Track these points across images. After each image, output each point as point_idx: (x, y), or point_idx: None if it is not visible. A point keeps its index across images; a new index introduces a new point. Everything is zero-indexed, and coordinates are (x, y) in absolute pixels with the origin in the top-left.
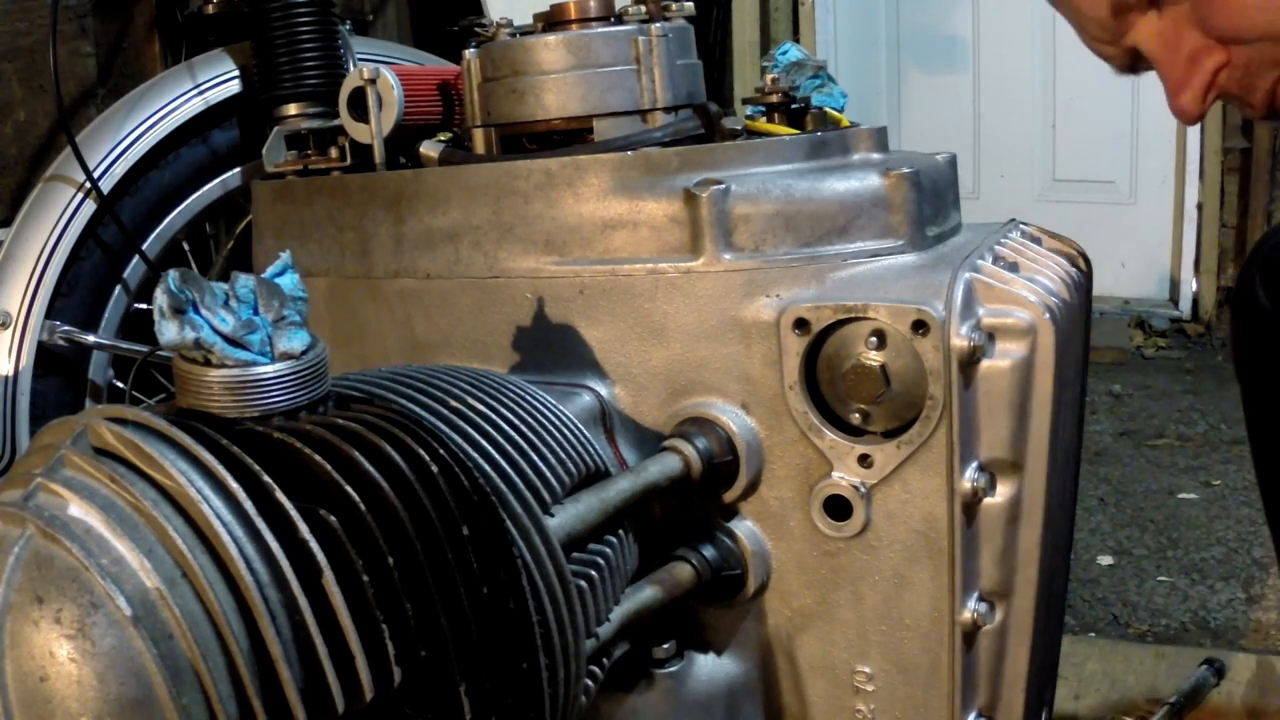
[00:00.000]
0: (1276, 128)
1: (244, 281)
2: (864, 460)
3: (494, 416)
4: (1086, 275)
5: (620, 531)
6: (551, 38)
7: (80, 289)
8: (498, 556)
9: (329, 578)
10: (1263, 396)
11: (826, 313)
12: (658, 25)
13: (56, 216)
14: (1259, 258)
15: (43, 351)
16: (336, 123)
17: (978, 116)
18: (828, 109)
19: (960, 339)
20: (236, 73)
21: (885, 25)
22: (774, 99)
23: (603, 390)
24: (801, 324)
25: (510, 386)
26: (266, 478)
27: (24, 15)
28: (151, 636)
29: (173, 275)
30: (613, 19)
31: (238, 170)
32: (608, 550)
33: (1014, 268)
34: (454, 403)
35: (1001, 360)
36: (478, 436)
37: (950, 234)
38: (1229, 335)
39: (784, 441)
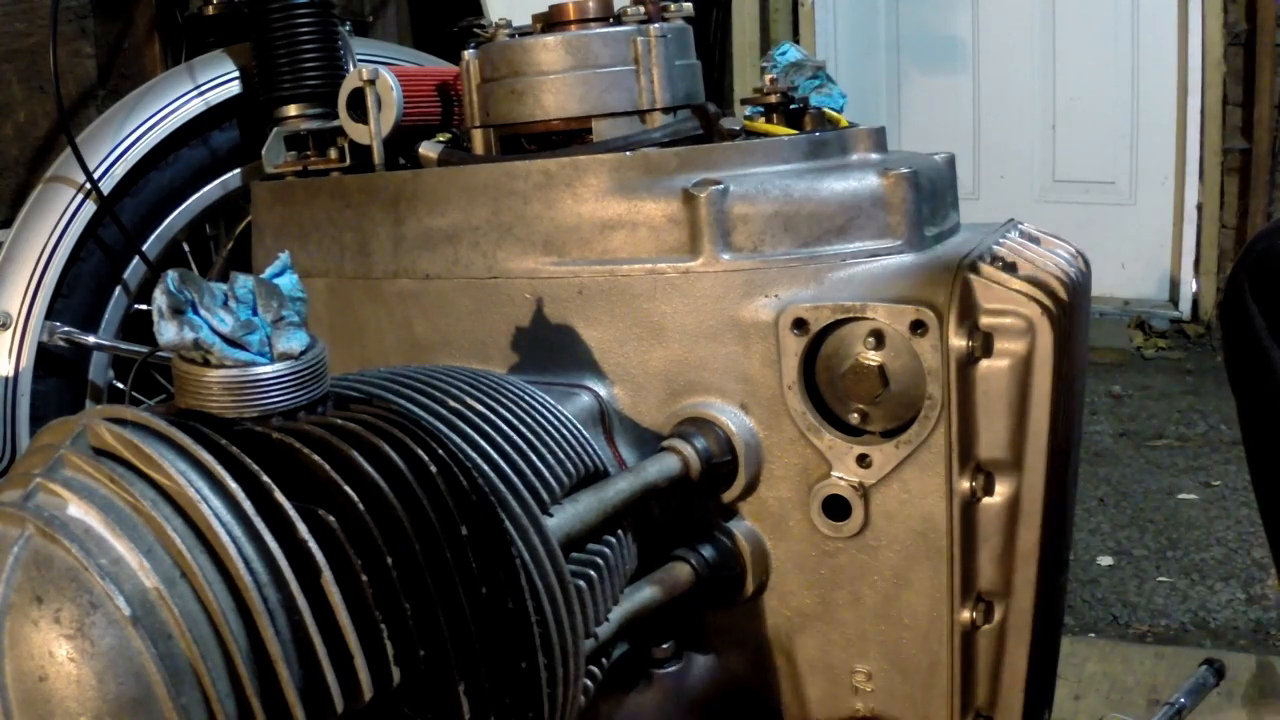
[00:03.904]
0: (1277, 128)
1: (243, 282)
2: (863, 460)
3: (493, 417)
4: (1085, 275)
5: (619, 532)
6: (550, 38)
7: (80, 290)
8: (496, 556)
9: (328, 577)
10: (1256, 404)
11: (825, 313)
12: (656, 26)
13: (57, 217)
14: (1247, 264)
15: (43, 352)
16: (336, 124)
17: (977, 117)
18: (826, 109)
19: (958, 339)
20: (236, 74)
21: (885, 26)
22: (773, 99)
23: (601, 390)
24: (800, 324)
25: (509, 387)
26: (265, 478)
27: (24, 16)
28: (150, 636)
29: (172, 276)
30: (611, 20)
31: (238, 171)
32: (606, 550)
33: (1012, 268)
34: (453, 403)
35: (1000, 360)
36: (476, 437)
37: (949, 234)
38: (1222, 343)
39: (783, 441)
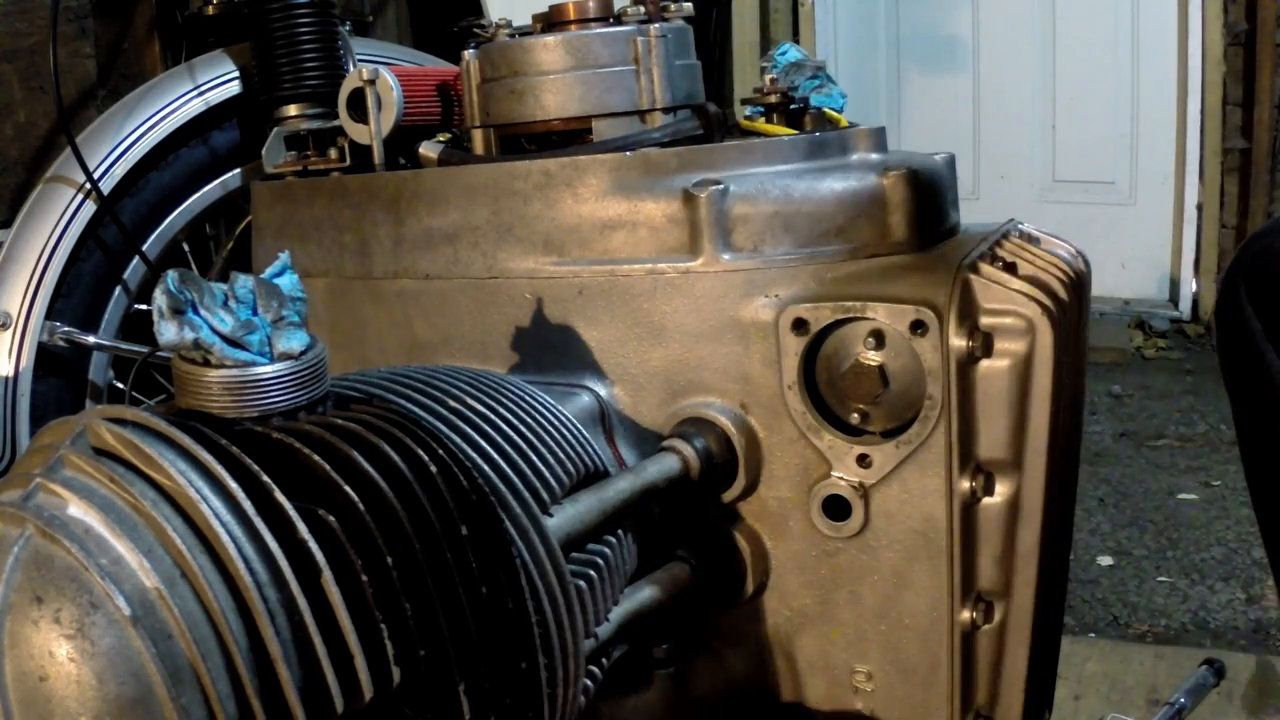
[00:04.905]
0: (1277, 128)
1: (243, 282)
2: (863, 460)
3: (493, 417)
4: (1085, 275)
5: (619, 531)
6: (550, 38)
7: (80, 290)
8: (496, 556)
9: (328, 577)
10: (1253, 407)
11: (825, 313)
12: (656, 26)
13: (57, 217)
14: (1243, 265)
15: (43, 352)
16: (336, 123)
17: (977, 117)
18: (826, 109)
19: (959, 339)
20: (236, 74)
21: (885, 26)
22: (773, 99)
23: (602, 390)
24: (800, 324)
25: (509, 387)
26: (265, 478)
27: (24, 16)
28: (151, 636)
29: (172, 276)
30: (611, 20)
31: (238, 171)
32: (606, 550)
33: (1012, 268)
34: (453, 403)
35: (1000, 360)
36: (476, 437)
37: (949, 234)
38: (1217, 346)
39: (783, 441)
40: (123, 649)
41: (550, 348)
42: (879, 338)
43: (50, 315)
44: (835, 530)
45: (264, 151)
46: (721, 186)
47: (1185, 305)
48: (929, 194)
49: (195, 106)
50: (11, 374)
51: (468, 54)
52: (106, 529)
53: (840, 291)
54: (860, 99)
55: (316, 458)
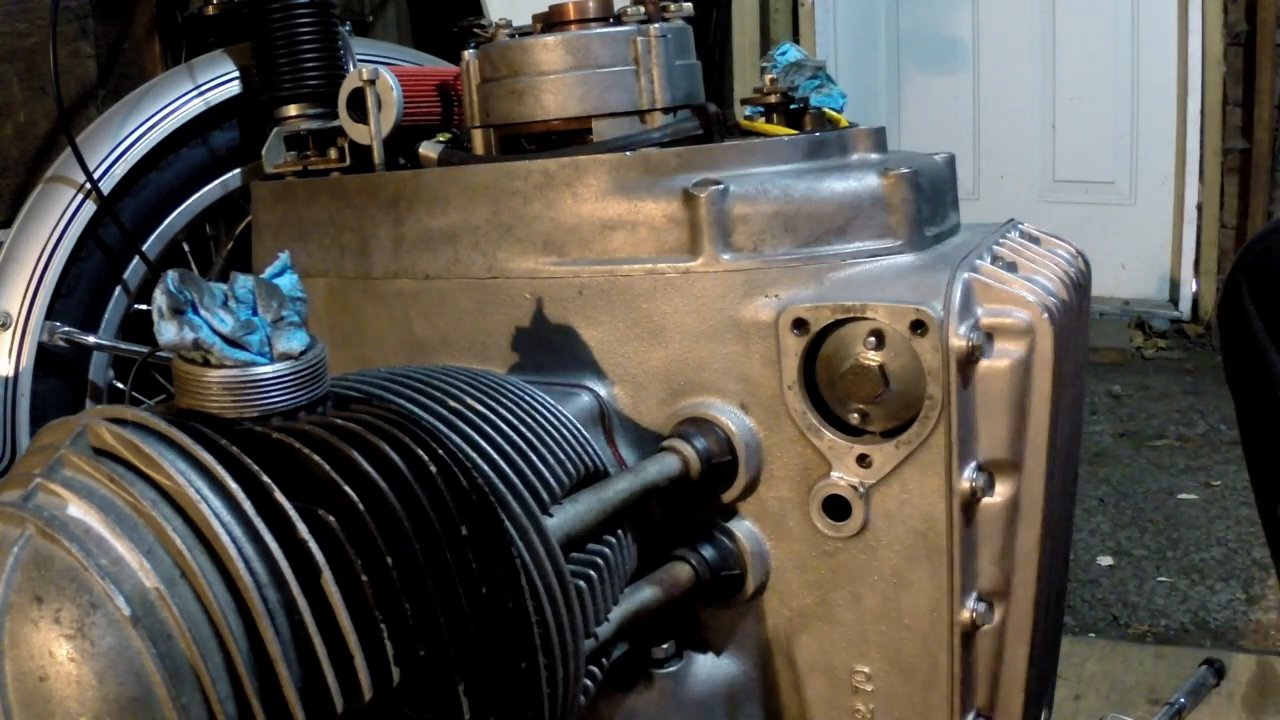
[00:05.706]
0: (1277, 128)
1: (243, 282)
2: (863, 460)
3: (493, 417)
4: (1085, 275)
5: (619, 531)
6: (550, 38)
7: (80, 290)
8: (496, 556)
9: (328, 578)
10: (1255, 408)
11: (825, 313)
12: (656, 26)
13: (57, 217)
14: (1245, 265)
15: (43, 352)
16: (336, 124)
17: (977, 117)
18: (826, 109)
19: (959, 339)
20: (236, 74)
21: (885, 26)
22: (773, 99)
23: (602, 390)
24: (800, 324)
25: (509, 387)
26: (265, 478)
27: (24, 16)
28: (150, 636)
29: (172, 276)
30: (611, 20)
31: (238, 171)
32: (606, 550)
33: (1012, 268)
34: (453, 403)
35: (1000, 360)
36: (476, 437)
37: (949, 234)
38: (1220, 345)
39: (783, 441)
40: (123, 649)
41: (550, 348)
42: (879, 338)
43: (50, 315)
44: (835, 530)
45: (264, 151)
46: (721, 186)
47: (1185, 305)
48: (929, 194)
49: (195, 106)
50: (11, 374)
51: (468, 54)
52: (106, 529)
53: (840, 291)
54: (860, 99)
55: (316, 458)
